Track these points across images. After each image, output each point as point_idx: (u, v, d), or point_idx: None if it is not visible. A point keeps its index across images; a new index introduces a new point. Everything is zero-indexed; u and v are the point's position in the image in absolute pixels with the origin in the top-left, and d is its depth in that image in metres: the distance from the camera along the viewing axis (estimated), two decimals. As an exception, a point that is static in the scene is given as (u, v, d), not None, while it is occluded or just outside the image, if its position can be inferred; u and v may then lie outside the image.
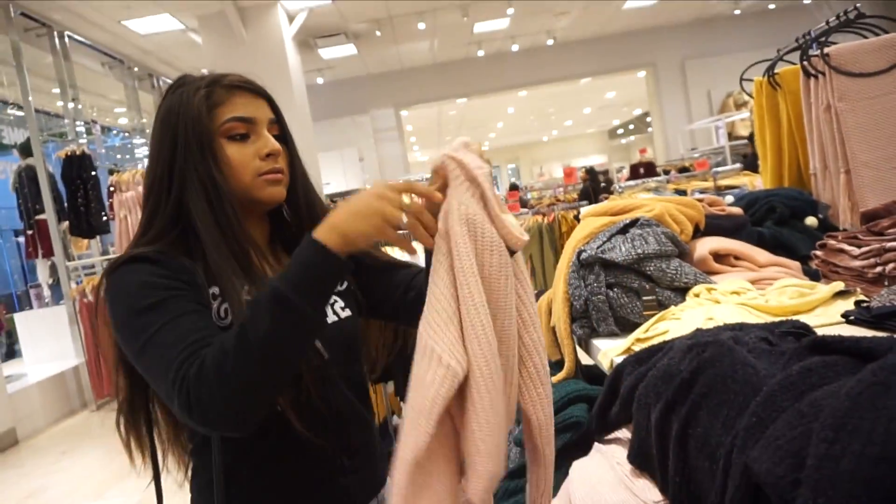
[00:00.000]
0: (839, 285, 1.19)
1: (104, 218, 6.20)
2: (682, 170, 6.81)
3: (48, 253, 6.33)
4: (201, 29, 7.27)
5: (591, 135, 23.44)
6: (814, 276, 1.48)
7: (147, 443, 0.98)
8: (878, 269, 1.22)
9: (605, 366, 1.30)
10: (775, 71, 2.20)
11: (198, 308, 0.85)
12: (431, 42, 10.18)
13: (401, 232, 0.76)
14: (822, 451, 0.50)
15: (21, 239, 7.18)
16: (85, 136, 6.98)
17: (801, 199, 1.85)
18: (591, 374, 1.68)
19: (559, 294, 1.50)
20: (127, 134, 10.37)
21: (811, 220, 1.78)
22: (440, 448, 0.76)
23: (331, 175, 9.86)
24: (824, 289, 1.19)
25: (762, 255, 1.57)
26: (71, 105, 6.68)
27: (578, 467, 1.22)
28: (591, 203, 4.10)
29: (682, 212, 1.61)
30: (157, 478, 1.01)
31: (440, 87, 11.55)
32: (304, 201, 1.01)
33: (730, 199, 2.10)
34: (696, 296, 1.35)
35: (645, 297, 1.40)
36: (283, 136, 0.97)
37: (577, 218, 4.18)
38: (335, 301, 1.03)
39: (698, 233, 1.68)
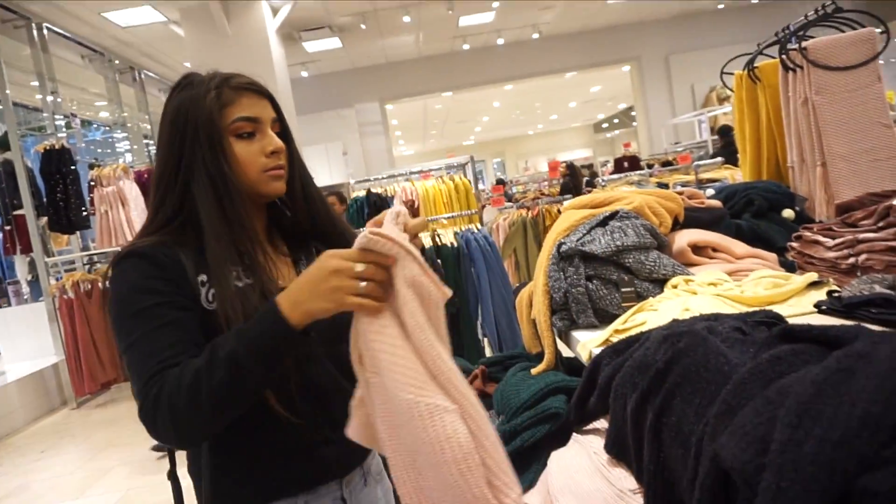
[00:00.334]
0: (812, 276, 1.20)
1: (84, 213, 6.11)
2: (666, 164, 6.86)
3: (26, 249, 6.24)
4: (183, 21, 7.18)
5: (576, 129, 23.51)
6: (790, 267, 1.50)
7: None
8: (851, 260, 1.24)
9: (584, 357, 1.31)
10: (755, 65, 2.22)
11: (178, 317, 0.93)
12: (416, 36, 10.15)
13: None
14: (785, 437, 0.50)
15: (-1, 234, 7.07)
16: (64, 129, 6.88)
17: (778, 191, 1.87)
18: (573, 366, 1.69)
19: (539, 286, 1.51)
20: (108, 128, 10.24)
21: (788, 213, 1.80)
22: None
23: (315, 169, 9.78)
24: (798, 280, 1.21)
25: (740, 247, 1.59)
26: (50, 98, 6.58)
27: (557, 457, 1.23)
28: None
29: (662, 204, 1.62)
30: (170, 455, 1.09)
31: (425, 80, 11.52)
32: (303, 193, 1.08)
33: (710, 192, 2.12)
34: (674, 287, 1.36)
35: (624, 289, 1.41)
36: (284, 133, 1.04)
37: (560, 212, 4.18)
38: None
39: (677, 225, 1.69)
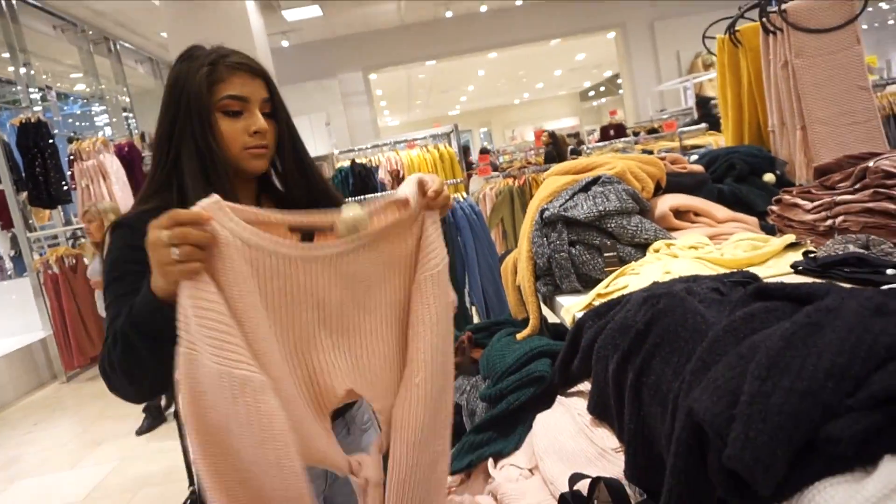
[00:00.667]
0: (790, 238, 1.22)
1: (65, 187, 6.02)
2: (651, 131, 6.86)
3: (7, 224, 6.15)
4: (158, -11, 6.98)
5: (562, 97, 23.34)
6: (770, 230, 1.52)
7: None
8: (829, 222, 1.26)
9: (568, 321, 1.32)
10: (737, 28, 2.21)
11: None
12: (398, 3, 9.96)
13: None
14: (754, 388, 0.52)
15: (-23, 211, 6.95)
16: (40, 103, 6.73)
17: (759, 155, 1.88)
18: (557, 331, 1.71)
19: (523, 253, 1.52)
20: (85, 101, 10.02)
21: (769, 177, 1.82)
22: None
23: (299, 141, 9.65)
24: (776, 242, 1.23)
25: (721, 211, 1.61)
26: (23, 70, 6.41)
27: (541, 419, 1.26)
28: (559, 165, 4.09)
29: (644, 169, 1.63)
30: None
31: (409, 49, 11.34)
32: (297, 166, 1.13)
33: (695, 158, 2.13)
34: (656, 251, 1.37)
35: (606, 254, 1.42)
36: (275, 112, 1.08)
37: (545, 180, 4.18)
38: None
39: (660, 190, 1.70)
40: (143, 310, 0.83)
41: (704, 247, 1.33)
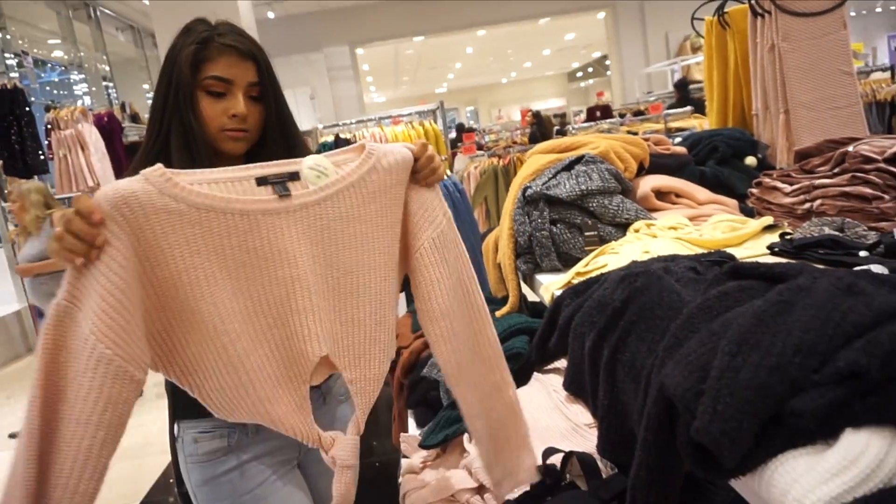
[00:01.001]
0: (768, 220, 1.24)
1: (42, 157, 5.89)
2: (638, 113, 6.85)
3: (-18, 193, 6.02)
4: (139, -46, 6.79)
5: (550, 77, 23.22)
6: (750, 213, 1.53)
7: None
8: (807, 205, 1.27)
9: (547, 299, 1.33)
10: (725, 10, 2.20)
11: None
12: (387, -24, 9.79)
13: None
14: (724, 364, 0.52)
15: (-48, 179, 6.78)
16: (16, 69, 6.55)
17: (742, 139, 1.89)
18: (537, 310, 1.72)
19: (504, 230, 1.52)
20: (64, 68, 9.77)
21: (751, 160, 1.83)
22: None
23: (283, 115, 9.51)
24: (754, 223, 1.24)
25: (702, 192, 1.62)
26: (-2, 35, 6.23)
27: (518, 395, 1.27)
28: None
29: (627, 150, 1.63)
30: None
31: (397, 24, 11.18)
32: (285, 144, 1.13)
33: (678, 140, 2.13)
34: (636, 231, 1.38)
35: (587, 233, 1.42)
36: (265, 96, 1.09)
37: (530, 159, 4.17)
38: None
39: (643, 170, 1.70)
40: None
41: (684, 227, 1.34)
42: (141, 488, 2.97)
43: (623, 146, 1.63)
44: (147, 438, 3.40)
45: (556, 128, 7.21)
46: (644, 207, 1.51)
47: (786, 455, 0.47)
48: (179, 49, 1.05)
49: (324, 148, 4.54)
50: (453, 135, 9.45)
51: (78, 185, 5.48)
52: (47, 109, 6.07)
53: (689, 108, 4.53)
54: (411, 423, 1.68)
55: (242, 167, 0.86)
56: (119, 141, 6.07)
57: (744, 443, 0.48)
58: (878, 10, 14.09)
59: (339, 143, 4.49)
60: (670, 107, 5.98)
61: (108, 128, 6.04)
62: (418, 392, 1.65)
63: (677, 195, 1.61)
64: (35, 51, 9.16)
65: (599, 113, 8.58)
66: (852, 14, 13.28)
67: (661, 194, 1.59)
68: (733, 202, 1.61)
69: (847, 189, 1.18)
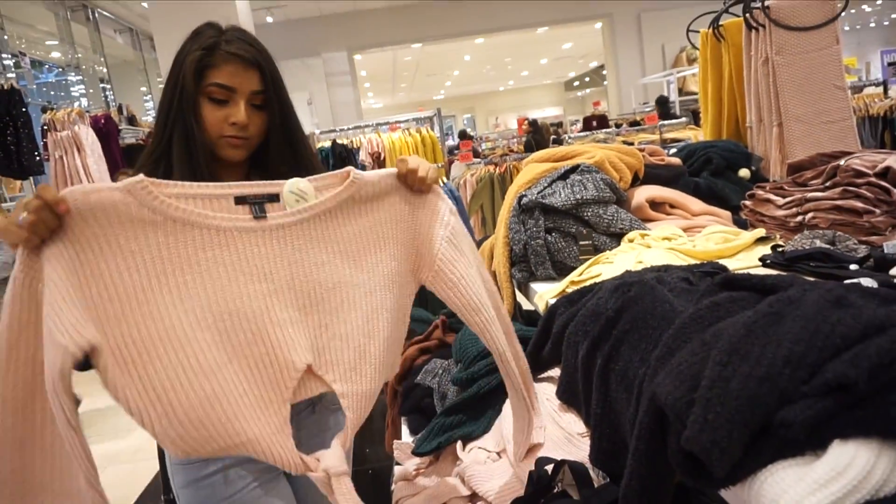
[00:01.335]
0: (760, 232, 1.25)
1: (37, 158, 5.87)
2: (634, 123, 6.89)
3: (-24, 194, 5.98)
4: (139, -43, 6.81)
5: (547, 86, 23.32)
6: (743, 225, 1.55)
7: None
8: (799, 218, 1.29)
9: (541, 307, 1.34)
10: (720, 23, 2.22)
11: None
12: (386, -17, 9.84)
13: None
14: (715, 374, 0.53)
15: (-54, 179, 6.75)
16: (13, 69, 6.54)
17: (736, 151, 1.91)
18: (531, 318, 1.73)
19: (500, 238, 1.53)
20: (61, 69, 9.76)
21: (744, 172, 1.85)
22: None
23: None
24: (747, 235, 1.25)
25: (696, 204, 1.63)
26: (-4, 35, 6.22)
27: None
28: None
29: (623, 160, 1.65)
30: None
31: (395, 30, 11.21)
32: (290, 154, 1.13)
33: (673, 151, 2.15)
34: (630, 241, 1.39)
35: (582, 242, 1.43)
36: (269, 104, 1.09)
37: (527, 168, 4.19)
38: None
39: (637, 181, 1.72)
40: None
41: (678, 238, 1.35)
42: (132, 492, 2.95)
43: (618, 156, 1.64)
44: (139, 443, 3.38)
45: (552, 137, 7.23)
46: (638, 217, 1.53)
47: (775, 465, 0.47)
48: (186, 53, 1.05)
49: (320, 154, 4.54)
50: (451, 142, 9.46)
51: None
52: (44, 111, 6.05)
53: (683, 119, 4.56)
54: (405, 430, 1.68)
55: (225, 185, 0.87)
56: (116, 143, 6.06)
57: (733, 453, 0.48)
58: (872, 25, 14.23)
59: (336, 148, 4.50)
60: (633, 124, 6.14)
61: (105, 130, 6.03)
62: (412, 399, 1.64)
63: (671, 206, 1.62)
64: (32, 52, 9.16)
65: (595, 122, 8.62)
66: (846, 29, 13.42)
67: (655, 205, 1.61)
68: (727, 214, 1.62)
69: (839, 202, 1.19)
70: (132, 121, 6.99)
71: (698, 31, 2.41)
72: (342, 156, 4.39)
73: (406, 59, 14.42)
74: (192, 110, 1.04)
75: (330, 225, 0.94)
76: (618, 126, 6.75)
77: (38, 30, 8.70)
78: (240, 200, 0.88)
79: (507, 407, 1.27)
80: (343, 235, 0.95)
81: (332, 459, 0.88)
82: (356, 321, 0.94)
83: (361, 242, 0.97)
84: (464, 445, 1.29)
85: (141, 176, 0.82)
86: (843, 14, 1.81)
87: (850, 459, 0.44)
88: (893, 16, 13.98)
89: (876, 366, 0.47)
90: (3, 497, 0.79)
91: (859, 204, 1.15)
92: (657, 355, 0.70)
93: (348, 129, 4.69)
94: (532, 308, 1.57)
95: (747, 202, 1.48)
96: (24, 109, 5.75)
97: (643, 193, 1.60)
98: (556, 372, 1.27)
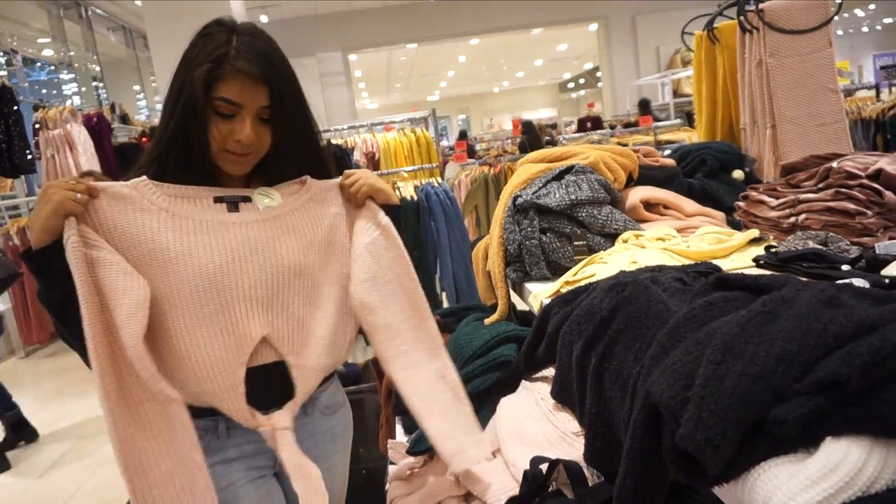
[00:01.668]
0: (754, 233, 1.25)
1: (29, 156, 5.83)
2: (628, 125, 6.92)
3: (-33, 192, 5.95)
4: (133, -45, 6.78)
5: (542, 87, 23.37)
6: (737, 226, 1.56)
7: None
8: (792, 219, 1.30)
9: (536, 308, 1.34)
10: (715, 26, 2.24)
11: None
12: (381, -17, 9.83)
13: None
14: (709, 372, 0.53)
15: (-63, 177, 6.69)
16: (5, 67, 6.50)
17: (730, 152, 1.92)
18: (526, 319, 1.73)
19: (495, 238, 1.53)
20: (53, 67, 9.71)
21: (738, 174, 1.86)
22: None
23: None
24: (740, 236, 1.25)
25: (690, 205, 1.64)
26: (-13, 32, 6.18)
27: (506, 403, 1.28)
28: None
29: (617, 160, 1.65)
30: None
31: (390, 31, 11.21)
32: (295, 165, 1.16)
33: (668, 152, 2.16)
34: (625, 241, 1.40)
35: (576, 242, 1.44)
36: (273, 118, 1.08)
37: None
38: None
39: (632, 182, 1.72)
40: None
41: (671, 239, 1.35)
42: (124, 494, 2.94)
43: (613, 157, 1.65)
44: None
45: (546, 138, 7.23)
46: (632, 218, 1.53)
47: (768, 463, 0.48)
48: (194, 60, 1.03)
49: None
50: (445, 143, 9.45)
51: (65, 186, 5.43)
52: (36, 109, 6.01)
53: (678, 120, 4.58)
54: (399, 429, 1.68)
55: (207, 188, 1.06)
56: (108, 142, 6.03)
57: (727, 450, 0.49)
58: (865, 29, 14.33)
59: (330, 148, 4.49)
60: (628, 125, 6.23)
61: (98, 128, 6.00)
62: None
63: (665, 207, 1.62)
64: (24, 49, 9.10)
65: (590, 124, 8.65)
66: (839, 33, 13.52)
67: (649, 205, 1.61)
68: (720, 215, 1.63)
69: (831, 204, 1.20)
70: (125, 119, 6.96)
71: (693, 34, 2.42)
72: (336, 156, 4.38)
73: (401, 59, 14.42)
74: (196, 121, 1.03)
75: (296, 221, 1.12)
76: (612, 127, 6.78)
77: (30, 27, 8.64)
78: (218, 200, 1.07)
79: (501, 406, 1.28)
80: (306, 231, 1.12)
81: (279, 417, 1.06)
82: (309, 306, 1.11)
83: (319, 239, 1.14)
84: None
85: (144, 177, 1.03)
86: (836, 18, 1.83)
87: (842, 456, 0.44)
88: (886, 20, 14.08)
89: (867, 364, 0.47)
90: (113, 403, 0.95)
91: (851, 205, 1.16)
92: (651, 354, 0.71)
93: (343, 128, 4.68)
94: (526, 308, 1.57)
95: (741, 203, 1.49)
96: (15, 108, 5.71)
97: (637, 194, 1.61)
98: (550, 372, 1.28)
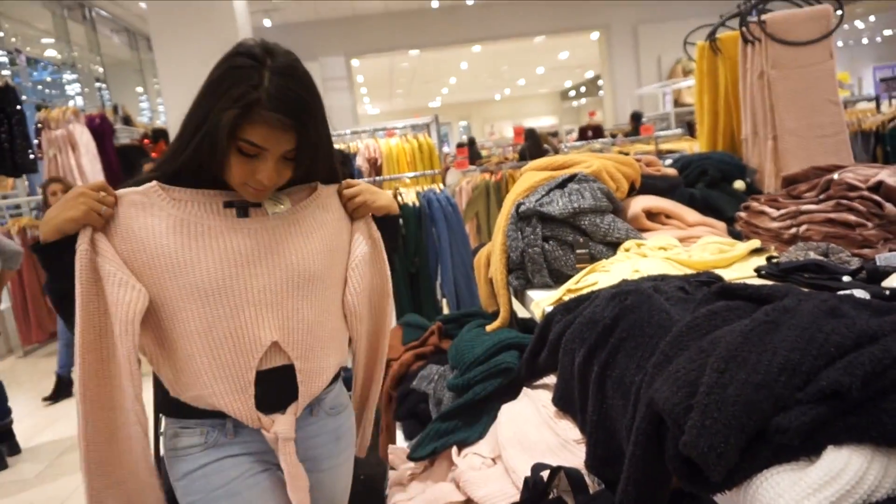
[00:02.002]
0: (755, 243, 1.26)
1: (31, 156, 5.84)
2: (629, 134, 6.95)
3: (-31, 192, 5.95)
4: (138, -42, 6.80)
5: (543, 95, 23.43)
6: (738, 236, 1.57)
7: None
8: (793, 230, 1.30)
9: (538, 315, 1.35)
10: (717, 36, 2.25)
11: None
12: (385, -11, 9.88)
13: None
14: (713, 380, 0.54)
15: (-62, 176, 6.69)
16: (8, 66, 6.51)
17: (731, 163, 1.93)
18: (527, 326, 1.73)
19: (497, 246, 1.54)
20: (56, 68, 9.73)
21: (739, 184, 1.87)
22: None
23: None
24: (742, 246, 1.26)
25: (691, 214, 1.65)
26: (-8, 32, 6.20)
27: (507, 410, 1.28)
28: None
29: (620, 170, 1.66)
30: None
31: (393, 37, 11.25)
32: (311, 179, 1.18)
33: (669, 162, 2.17)
34: (627, 250, 1.40)
35: (578, 251, 1.45)
36: (296, 158, 1.07)
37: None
38: None
39: (634, 191, 1.73)
40: (36, 250, 1.01)
41: (673, 248, 1.36)
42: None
43: (615, 166, 1.66)
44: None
45: (546, 147, 7.22)
46: (634, 227, 1.54)
47: (770, 470, 0.48)
48: (223, 93, 0.98)
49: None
50: (446, 149, 9.47)
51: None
52: (38, 109, 6.03)
53: (679, 129, 4.60)
54: (399, 435, 1.68)
55: (216, 192, 1.07)
56: (110, 143, 6.04)
57: (730, 457, 0.50)
58: (865, 41, 14.40)
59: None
60: (626, 135, 6.29)
61: (100, 130, 6.01)
62: (407, 404, 1.65)
63: (667, 216, 1.63)
64: (27, 49, 9.12)
65: (591, 132, 8.67)
66: (839, 45, 13.57)
67: (651, 215, 1.62)
68: (722, 224, 1.64)
69: (832, 215, 1.21)
70: (127, 121, 6.97)
71: (695, 44, 2.43)
72: (339, 161, 4.39)
73: (403, 65, 14.46)
74: (216, 156, 1.00)
75: (304, 227, 1.13)
76: (613, 136, 6.80)
77: (34, 27, 8.67)
78: (227, 205, 1.07)
79: (503, 413, 1.28)
80: (314, 237, 1.14)
81: (284, 425, 1.08)
82: (317, 309, 1.13)
83: (325, 244, 1.15)
84: (459, 451, 1.30)
85: (154, 182, 1.04)
86: (837, 30, 1.84)
87: (844, 465, 0.45)
88: (886, 33, 14.15)
89: (869, 374, 0.48)
90: (90, 415, 1.00)
91: (852, 217, 1.17)
92: (654, 362, 0.72)
93: (346, 133, 4.69)
94: (528, 316, 1.58)
95: (742, 214, 1.50)
96: (18, 107, 5.72)
97: (639, 203, 1.62)
98: (551, 379, 1.28)
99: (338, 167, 1.22)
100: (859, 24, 13.17)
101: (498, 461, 1.21)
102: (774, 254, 1.20)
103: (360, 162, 4.33)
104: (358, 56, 11.68)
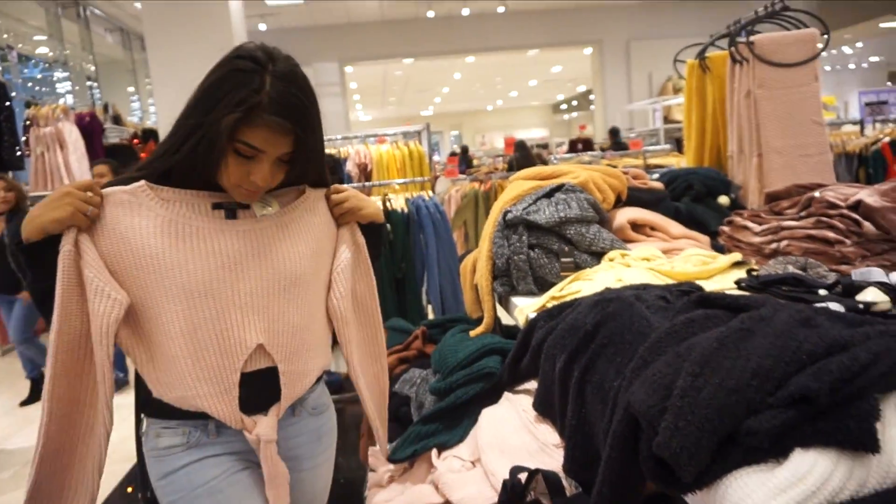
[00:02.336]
0: (736, 256, 1.28)
1: (18, 153, 5.78)
2: (606, 149, 7.01)
3: (-47, 186, 5.87)
4: (135, -42, 6.79)
5: (534, 108, 23.61)
6: (720, 249, 1.59)
7: None
8: (774, 245, 1.33)
9: (521, 321, 1.36)
10: (707, 55, 2.29)
11: None
12: (381, -2, 9.93)
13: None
14: (687, 384, 0.55)
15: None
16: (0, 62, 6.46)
17: (717, 178, 1.96)
18: (510, 333, 1.74)
19: (483, 252, 1.55)
20: (47, 65, 9.67)
21: (724, 199, 1.90)
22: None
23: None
24: (724, 259, 1.28)
25: (676, 227, 1.67)
26: (-17, 27, 6.15)
27: (487, 413, 1.29)
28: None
29: (607, 181, 1.68)
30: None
31: (387, 44, 11.30)
32: (301, 182, 1.19)
33: (656, 176, 2.20)
34: (611, 260, 1.42)
35: (563, 259, 1.46)
36: (292, 161, 1.08)
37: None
38: None
39: (620, 202, 1.76)
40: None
41: (657, 259, 1.38)
42: (107, 488, 2.90)
43: (602, 177, 1.68)
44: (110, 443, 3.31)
45: (537, 158, 7.26)
46: (619, 238, 1.56)
47: (739, 471, 0.50)
48: (224, 96, 0.97)
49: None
50: (437, 157, 9.51)
51: (54, 184, 5.39)
52: (28, 105, 5.97)
53: (668, 145, 4.65)
54: (380, 438, 1.68)
55: (204, 193, 1.06)
56: (99, 142, 5.99)
57: (701, 458, 0.51)
58: (851, 66, 14.67)
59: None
60: (603, 149, 6.43)
61: (89, 128, 5.96)
62: (389, 407, 1.65)
63: (652, 228, 1.66)
64: (19, 45, 9.05)
65: (581, 145, 8.75)
66: (826, 69, 13.82)
67: (636, 226, 1.64)
68: (705, 238, 1.66)
69: (812, 232, 1.24)
70: (117, 120, 6.92)
71: (685, 62, 2.47)
72: (329, 165, 4.40)
73: (396, 73, 14.52)
74: (212, 157, 1.00)
75: (291, 230, 1.12)
76: (603, 150, 6.86)
77: (27, 24, 8.61)
78: (216, 206, 1.06)
79: (483, 417, 1.29)
80: (300, 239, 1.13)
81: (265, 428, 1.08)
82: (302, 312, 1.12)
83: (312, 247, 1.15)
84: (439, 454, 1.30)
85: (143, 182, 1.02)
86: (823, 54, 1.88)
87: (810, 467, 0.46)
88: (872, 59, 14.43)
89: (837, 380, 0.49)
90: (54, 412, 1.01)
91: (831, 234, 1.19)
92: (633, 367, 0.73)
93: (337, 139, 4.70)
94: (511, 322, 1.59)
95: (725, 228, 1.52)
96: (7, 103, 5.67)
97: (625, 215, 1.64)
98: (532, 384, 1.29)
99: (327, 171, 1.22)
100: (847, 49, 13.42)
101: (477, 464, 1.22)
102: (755, 267, 1.22)
103: (349, 167, 4.34)
104: (352, 63, 11.72)
